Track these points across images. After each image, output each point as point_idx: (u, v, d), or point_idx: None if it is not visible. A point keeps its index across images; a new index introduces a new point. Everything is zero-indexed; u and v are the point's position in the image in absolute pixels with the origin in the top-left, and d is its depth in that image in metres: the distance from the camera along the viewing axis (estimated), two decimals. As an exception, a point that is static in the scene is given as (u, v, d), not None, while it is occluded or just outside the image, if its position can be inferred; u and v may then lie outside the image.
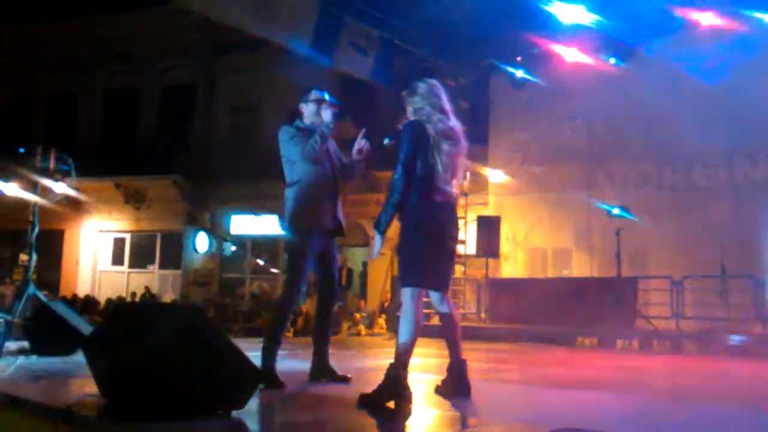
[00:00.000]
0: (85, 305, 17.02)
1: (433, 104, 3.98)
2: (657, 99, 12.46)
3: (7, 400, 3.70)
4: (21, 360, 5.86)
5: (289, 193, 4.64)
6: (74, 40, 20.35)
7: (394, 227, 3.93)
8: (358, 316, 15.59)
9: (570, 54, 11.83)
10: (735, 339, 9.18)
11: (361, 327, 15.06)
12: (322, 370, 4.65)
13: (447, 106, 4.04)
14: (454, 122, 4.05)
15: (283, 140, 4.66)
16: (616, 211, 11.35)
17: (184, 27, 17.88)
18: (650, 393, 5.06)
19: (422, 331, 3.89)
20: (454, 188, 4.05)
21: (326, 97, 4.76)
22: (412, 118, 4.02)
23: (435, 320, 11.53)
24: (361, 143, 4.60)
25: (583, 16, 10.44)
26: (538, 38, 11.59)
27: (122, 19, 19.98)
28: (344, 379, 4.62)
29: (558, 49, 11.81)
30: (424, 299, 4.02)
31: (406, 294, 3.84)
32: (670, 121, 12.42)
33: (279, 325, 4.64)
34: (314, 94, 4.75)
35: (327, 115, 4.64)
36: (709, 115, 11.94)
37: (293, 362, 5.30)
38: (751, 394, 5.19)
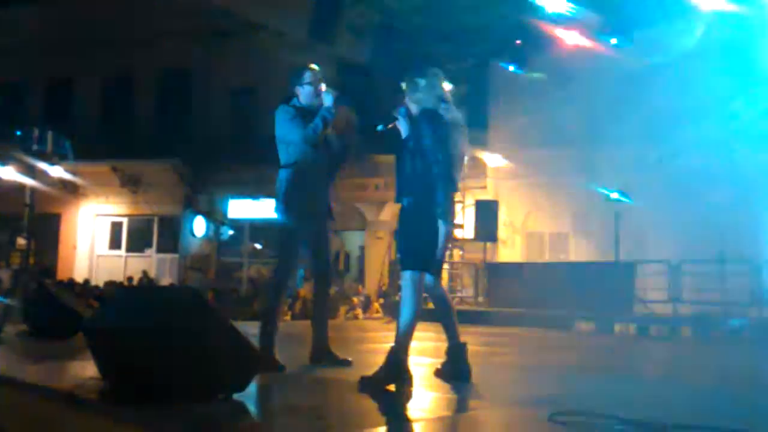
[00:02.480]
0: (83, 289, 17.04)
1: (437, 96, 3.98)
2: (657, 83, 12.43)
3: (8, 383, 3.70)
4: (20, 343, 5.86)
5: (283, 175, 4.58)
6: (70, 23, 20.20)
7: (392, 212, 3.94)
8: (355, 300, 15.62)
9: (569, 37, 11.76)
10: (732, 323, 9.22)
11: (359, 311, 15.10)
12: (322, 353, 4.66)
13: (448, 95, 4.05)
14: (456, 111, 4.05)
15: (283, 120, 4.56)
16: (614, 195, 11.34)
17: (182, 9, 17.75)
18: (648, 376, 5.08)
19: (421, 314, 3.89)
20: (457, 176, 4.05)
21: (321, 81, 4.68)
22: (414, 108, 4.02)
23: (431, 304, 11.58)
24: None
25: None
26: (537, 21, 11.51)
27: (119, 1, 19.83)
28: (345, 362, 4.62)
29: (557, 32, 11.73)
30: None
31: (407, 277, 3.84)
32: (670, 106, 12.41)
33: (274, 307, 4.63)
34: (310, 75, 4.67)
35: (328, 99, 4.54)
36: (709, 99, 11.92)
37: (292, 345, 5.31)
38: (748, 378, 5.22)
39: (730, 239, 11.06)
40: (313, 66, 4.72)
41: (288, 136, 4.56)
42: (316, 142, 4.52)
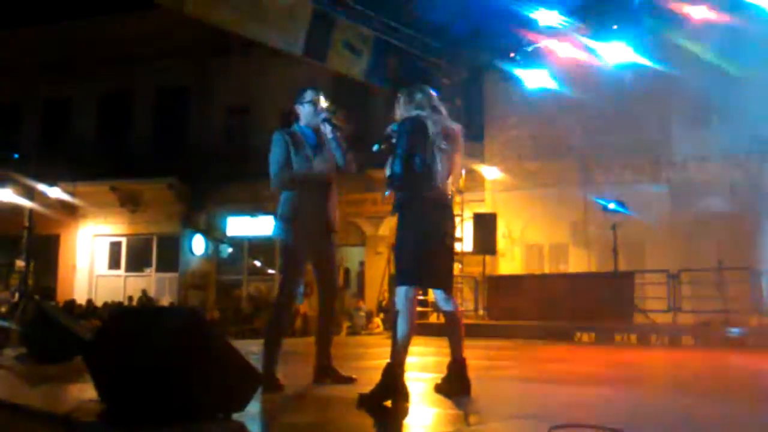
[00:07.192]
0: (83, 310, 17.01)
1: (429, 108, 4.01)
2: (652, 94, 12.46)
3: (7, 407, 3.69)
4: (19, 366, 5.84)
5: (282, 196, 4.65)
6: (67, 44, 20.30)
7: (390, 227, 3.97)
8: (356, 315, 15.58)
9: (564, 49, 11.81)
10: (732, 331, 9.20)
11: (360, 326, 15.06)
12: (325, 371, 4.65)
13: (442, 109, 4.07)
14: (451, 123, 4.08)
15: (272, 148, 4.62)
16: (611, 206, 11.35)
17: (178, 29, 17.83)
18: (650, 387, 5.07)
19: (418, 329, 3.90)
20: (450, 187, 4.08)
21: (322, 104, 4.69)
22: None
23: (432, 318, 11.61)
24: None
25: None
26: (531, 34, 11.58)
27: (115, 21, 19.96)
28: (348, 380, 4.61)
29: (552, 44, 11.79)
30: (424, 297, 4.04)
31: (400, 293, 3.87)
32: (666, 116, 12.45)
33: (277, 326, 4.64)
34: (310, 95, 4.71)
35: (327, 130, 4.61)
36: (704, 109, 11.97)
37: (292, 363, 5.30)
38: (750, 387, 5.21)
39: (729, 247, 11.05)
40: (314, 89, 4.77)
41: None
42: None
